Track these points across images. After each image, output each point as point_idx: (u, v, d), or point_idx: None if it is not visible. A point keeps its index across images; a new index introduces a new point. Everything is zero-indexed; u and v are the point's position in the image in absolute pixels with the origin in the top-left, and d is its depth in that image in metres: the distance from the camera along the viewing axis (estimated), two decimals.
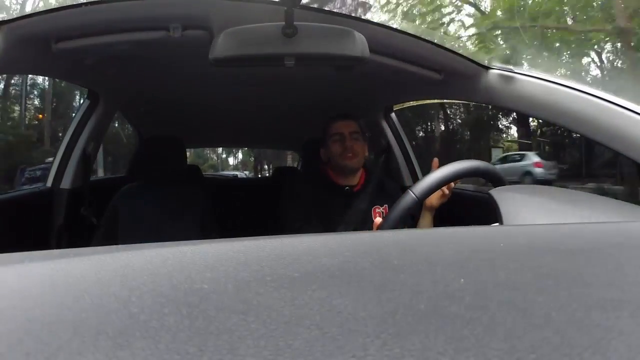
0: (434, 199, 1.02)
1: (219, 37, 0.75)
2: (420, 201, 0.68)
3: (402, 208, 0.68)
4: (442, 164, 0.77)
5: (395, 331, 0.15)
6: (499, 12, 8.58)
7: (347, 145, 1.19)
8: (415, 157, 1.73)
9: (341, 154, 1.19)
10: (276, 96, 1.59)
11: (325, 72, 1.24)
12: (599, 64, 10.80)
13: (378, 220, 0.76)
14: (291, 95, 1.59)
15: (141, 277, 0.22)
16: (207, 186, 1.63)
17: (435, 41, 0.99)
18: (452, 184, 0.98)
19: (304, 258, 0.25)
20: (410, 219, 1.06)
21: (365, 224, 1.16)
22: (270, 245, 0.28)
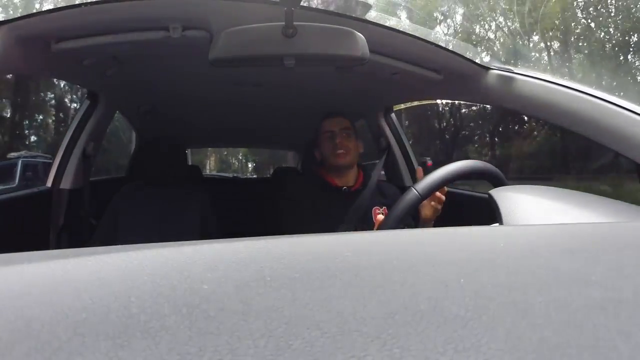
0: (427, 211, 1.00)
1: (219, 37, 0.75)
2: (422, 198, 0.68)
3: (404, 205, 0.68)
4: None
5: (395, 331, 0.15)
6: None
7: (338, 142, 1.19)
8: (415, 157, 1.73)
9: (332, 151, 1.19)
10: (276, 96, 1.59)
11: (325, 73, 1.24)
12: None
13: (380, 217, 0.75)
14: (291, 96, 1.59)
15: (141, 277, 0.22)
16: (207, 186, 1.63)
17: (435, 41, 0.99)
18: (443, 197, 0.97)
19: (304, 258, 0.25)
20: (411, 220, 1.05)
21: (365, 224, 1.15)
22: (270, 246, 0.28)
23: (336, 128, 1.21)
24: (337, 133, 1.20)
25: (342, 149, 1.19)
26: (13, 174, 5.97)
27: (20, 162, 6.24)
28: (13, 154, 7.11)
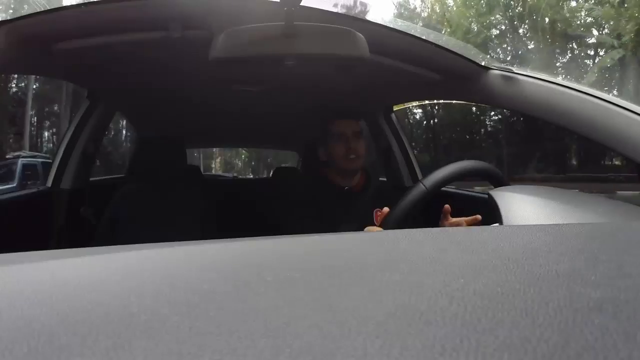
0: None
1: (219, 37, 0.75)
2: (429, 192, 0.69)
3: (411, 199, 0.69)
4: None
5: (395, 331, 0.15)
6: None
7: (351, 146, 1.17)
8: (415, 157, 1.73)
9: (344, 155, 1.17)
10: (276, 96, 1.59)
11: (325, 73, 1.24)
12: None
13: (386, 209, 0.75)
14: (291, 96, 1.59)
15: (141, 277, 0.22)
16: (206, 186, 1.63)
17: (435, 41, 1.00)
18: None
19: (304, 258, 0.25)
20: (420, 216, 1.04)
21: (366, 226, 1.15)
22: (270, 246, 0.28)
23: (348, 131, 1.19)
24: (349, 137, 1.18)
25: (354, 154, 1.17)
26: (12, 174, 6.01)
27: (19, 162, 6.28)
28: (12, 154, 7.16)
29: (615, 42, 10.55)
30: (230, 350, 0.14)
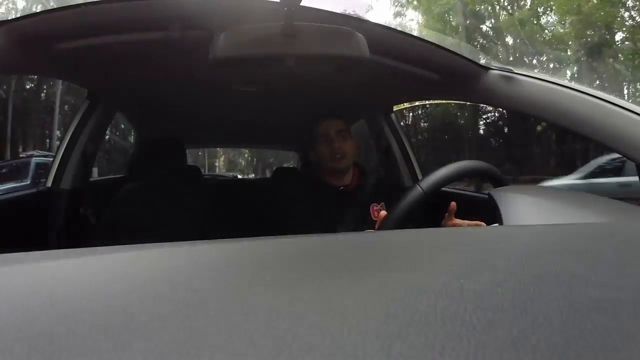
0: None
1: (219, 37, 0.75)
2: (426, 194, 0.69)
3: (409, 201, 0.68)
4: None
5: (395, 331, 0.15)
6: None
7: (335, 146, 1.17)
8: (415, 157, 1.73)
9: (329, 155, 1.17)
10: (276, 97, 1.59)
11: (325, 73, 1.24)
12: None
13: (383, 213, 0.75)
14: (291, 96, 1.59)
15: (141, 277, 0.22)
16: (206, 186, 1.63)
17: (435, 41, 1.00)
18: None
19: (303, 258, 0.25)
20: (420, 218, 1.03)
21: (364, 223, 1.15)
22: (270, 246, 0.28)
23: (332, 131, 1.19)
24: (333, 136, 1.18)
25: (339, 154, 1.17)
26: (26, 172, 6.23)
27: (32, 160, 6.47)
28: (26, 153, 7.39)
29: (571, 58, 11.27)
30: (230, 350, 0.14)
